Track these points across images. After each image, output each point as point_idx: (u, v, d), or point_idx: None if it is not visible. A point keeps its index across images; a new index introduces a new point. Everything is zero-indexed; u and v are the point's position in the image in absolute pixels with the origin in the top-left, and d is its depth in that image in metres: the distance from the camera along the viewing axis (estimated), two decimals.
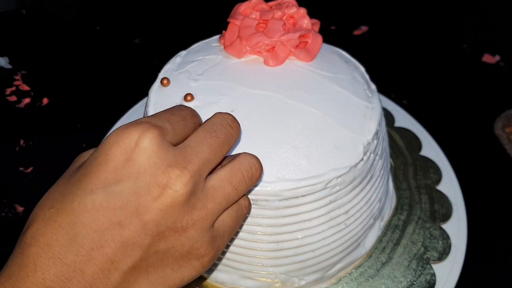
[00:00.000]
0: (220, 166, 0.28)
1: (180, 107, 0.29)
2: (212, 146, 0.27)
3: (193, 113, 0.29)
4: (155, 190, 0.24)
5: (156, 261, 0.26)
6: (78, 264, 0.23)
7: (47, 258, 0.23)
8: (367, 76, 0.42)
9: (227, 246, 0.36)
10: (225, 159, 0.30)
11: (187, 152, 0.26)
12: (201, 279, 0.40)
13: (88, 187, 0.24)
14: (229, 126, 0.28)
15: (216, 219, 0.27)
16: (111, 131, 0.52)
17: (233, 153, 0.34)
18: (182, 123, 0.27)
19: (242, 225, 0.35)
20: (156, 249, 0.25)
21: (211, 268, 0.38)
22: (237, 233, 0.35)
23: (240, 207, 0.29)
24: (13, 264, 0.24)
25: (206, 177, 0.27)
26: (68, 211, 0.24)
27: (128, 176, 0.24)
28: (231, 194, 0.27)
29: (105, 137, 0.26)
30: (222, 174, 0.27)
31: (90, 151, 0.27)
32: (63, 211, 0.24)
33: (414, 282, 0.40)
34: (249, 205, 0.31)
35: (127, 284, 0.25)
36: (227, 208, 0.28)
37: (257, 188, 0.33)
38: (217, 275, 0.38)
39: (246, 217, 0.33)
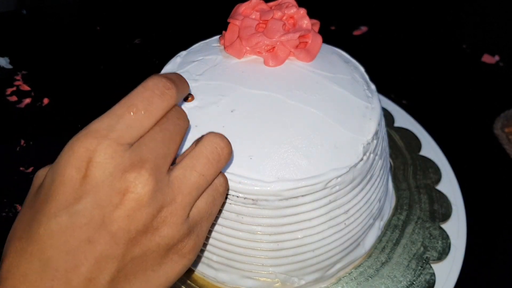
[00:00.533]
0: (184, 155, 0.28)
1: (142, 89, 0.26)
2: (164, 140, 0.26)
3: (162, 91, 0.26)
4: (116, 198, 0.24)
5: (134, 267, 0.25)
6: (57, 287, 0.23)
7: None
8: (366, 76, 0.42)
9: (228, 246, 0.36)
10: (190, 147, 0.29)
11: (142, 152, 0.25)
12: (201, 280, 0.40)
13: (51, 211, 0.24)
14: (174, 117, 0.27)
15: (191, 208, 0.27)
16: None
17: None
18: (141, 115, 0.25)
19: (224, 203, 0.34)
20: (132, 256, 0.25)
21: (213, 267, 0.38)
22: (237, 232, 0.35)
23: (215, 188, 0.28)
24: None
25: (170, 170, 0.26)
26: (37, 239, 0.24)
27: (87, 192, 0.24)
28: (199, 181, 0.26)
29: (59, 155, 0.25)
30: (184, 163, 0.26)
31: (46, 169, 0.27)
32: (32, 239, 0.24)
33: (414, 282, 0.40)
34: (225, 181, 0.29)
35: None
36: (200, 195, 0.27)
37: (257, 188, 0.33)
38: (217, 275, 0.39)
39: (226, 194, 0.31)
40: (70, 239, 0.24)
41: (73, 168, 0.24)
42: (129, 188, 0.24)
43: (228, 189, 0.31)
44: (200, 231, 0.27)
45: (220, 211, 0.35)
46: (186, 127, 0.28)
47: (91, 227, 0.24)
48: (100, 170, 0.24)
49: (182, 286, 0.39)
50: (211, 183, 0.28)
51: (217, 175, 0.29)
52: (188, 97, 0.37)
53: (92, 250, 0.24)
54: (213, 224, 0.36)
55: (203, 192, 0.27)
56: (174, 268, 0.26)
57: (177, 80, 0.28)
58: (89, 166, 0.24)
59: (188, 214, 0.26)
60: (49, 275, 0.23)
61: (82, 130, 0.25)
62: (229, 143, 0.28)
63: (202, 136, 0.28)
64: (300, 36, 0.39)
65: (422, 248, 0.43)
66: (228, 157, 0.28)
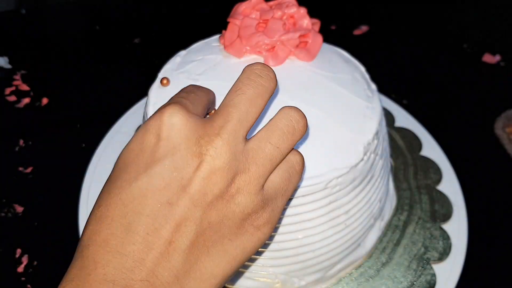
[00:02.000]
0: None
1: (184, 88, 0.29)
2: (241, 104, 0.26)
3: (198, 86, 0.30)
4: (193, 161, 0.24)
5: (212, 234, 0.25)
6: (137, 252, 0.23)
7: (105, 253, 0.23)
8: (367, 76, 0.42)
9: None
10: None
11: (215, 118, 0.25)
12: None
13: (131, 176, 0.24)
14: (257, 76, 0.27)
15: (265, 181, 0.26)
16: (110, 130, 0.52)
17: None
18: (193, 95, 0.28)
19: (300, 182, 0.33)
20: (209, 221, 0.25)
21: None
22: None
23: (290, 164, 0.28)
24: (73, 268, 0.24)
25: (247, 139, 0.26)
26: (118, 204, 0.24)
27: (165, 154, 0.24)
28: (273, 154, 0.26)
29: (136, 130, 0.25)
30: (259, 135, 0.26)
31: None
32: (113, 205, 0.24)
33: (415, 282, 0.40)
34: (302, 160, 0.29)
35: (190, 265, 0.24)
36: (274, 168, 0.27)
37: None
38: None
39: (302, 173, 0.30)
40: (150, 202, 0.24)
41: (150, 134, 0.25)
42: (204, 152, 0.24)
43: (304, 169, 0.30)
44: (275, 206, 0.27)
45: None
46: (271, 88, 0.27)
47: (170, 189, 0.24)
48: (175, 132, 0.25)
49: None
50: (285, 156, 0.27)
51: (292, 151, 0.28)
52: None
53: (172, 212, 0.24)
54: None
55: (277, 165, 0.27)
56: (249, 240, 0.26)
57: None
58: (164, 129, 0.25)
59: (263, 186, 0.26)
60: (130, 239, 0.23)
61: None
62: (304, 116, 0.28)
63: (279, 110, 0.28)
64: (300, 36, 0.39)
65: (423, 249, 0.42)
66: (303, 130, 0.28)
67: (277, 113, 0.28)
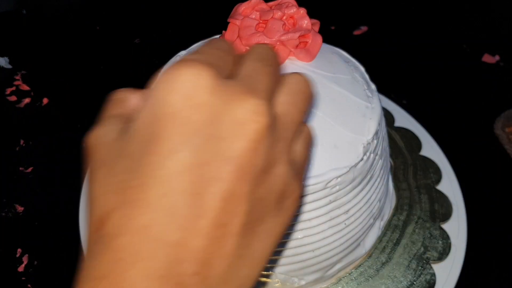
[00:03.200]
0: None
1: (214, 40, 0.25)
2: (270, 74, 0.23)
3: (229, 45, 0.25)
4: (235, 128, 0.20)
5: (259, 212, 0.21)
6: (185, 240, 0.19)
7: (147, 243, 0.19)
8: (367, 76, 0.42)
9: None
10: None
11: (250, 82, 0.22)
12: None
13: (165, 149, 0.19)
14: (273, 55, 0.24)
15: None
16: None
17: None
18: (222, 56, 0.23)
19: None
20: (257, 196, 0.21)
21: None
22: None
23: (306, 134, 0.25)
24: (100, 262, 0.19)
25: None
26: (155, 182, 0.19)
27: (203, 122, 0.20)
28: (298, 119, 0.24)
29: (152, 86, 0.21)
30: (285, 99, 0.23)
31: (101, 129, 0.22)
32: (145, 185, 0.19)
33: (414, 282, 0.40)
34: (311, 131, 0.26)
35: (242, 250, 0.20)
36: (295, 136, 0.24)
37: None
38: None
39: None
40: (194, 178, 0.19)
41: (179, 95, 0.20)
42: (248, 117, 0.20)
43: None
44: (302, 177, 0.24)
45: None
46: (280, 64, 0.25)
47: (215, 162, 0.20)
48: (211, 96, 0.20)
49: None
50: (302, 127, 0.25)
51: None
52: None
53: (220, 189, 0.20)
54: None
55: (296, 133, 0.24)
56: (287, 215, 0.23)
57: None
58: (198, 92, 0.20)
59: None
60: (176, 225, 0.19)
61: (174, 65, 0.21)
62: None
63: (282, 76, 0.25)
64: (300, 36, 0.39)
65: (422, 248, 0.42)
66: (312, 93, 0.25)
67: (288, 78, 0.25)
